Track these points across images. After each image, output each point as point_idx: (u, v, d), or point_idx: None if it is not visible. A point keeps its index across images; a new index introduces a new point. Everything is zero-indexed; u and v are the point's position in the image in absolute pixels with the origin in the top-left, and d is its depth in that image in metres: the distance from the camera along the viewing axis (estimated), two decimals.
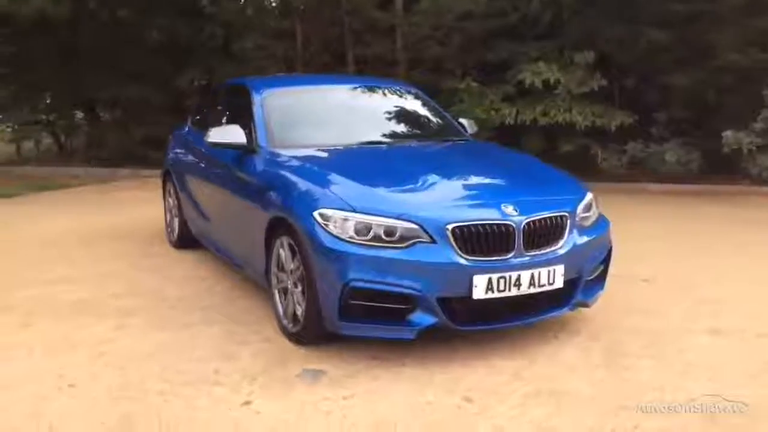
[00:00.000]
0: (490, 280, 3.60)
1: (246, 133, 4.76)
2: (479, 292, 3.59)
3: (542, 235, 3.77)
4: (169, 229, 6.61)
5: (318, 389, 3.43)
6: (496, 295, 3.63)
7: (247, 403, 3.28)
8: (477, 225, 3.62)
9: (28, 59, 13.26)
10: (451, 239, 3.58)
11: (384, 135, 4.90)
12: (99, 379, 3.57)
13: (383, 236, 3.59)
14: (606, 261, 4.28)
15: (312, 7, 11.72)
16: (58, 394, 3.39)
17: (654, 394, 3.37)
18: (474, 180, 4.22)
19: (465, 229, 3.60)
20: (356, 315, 3.63)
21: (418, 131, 5.18)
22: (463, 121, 5.55)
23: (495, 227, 3.64)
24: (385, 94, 5.59)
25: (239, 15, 11.72)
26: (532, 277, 3.69)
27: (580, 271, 3.95)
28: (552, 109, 10.45)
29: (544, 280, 3.73)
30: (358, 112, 5.19)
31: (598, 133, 10.71)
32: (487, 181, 4.22)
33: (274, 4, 12.09)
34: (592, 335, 4.15)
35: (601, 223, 4.26)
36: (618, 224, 7.66)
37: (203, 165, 5.55)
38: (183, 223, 6.18)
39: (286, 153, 4.49)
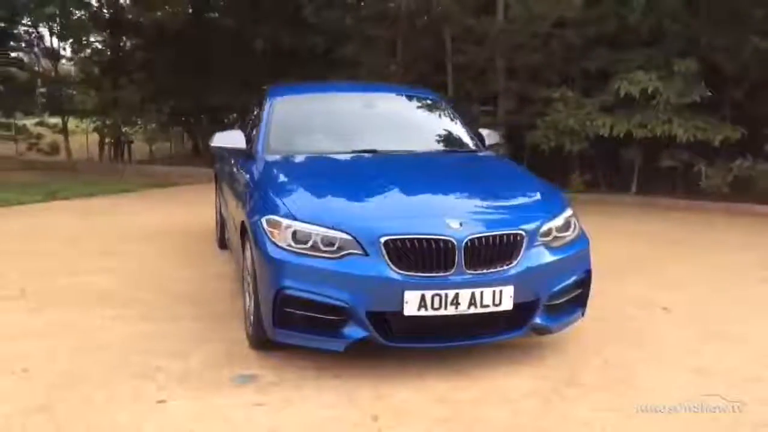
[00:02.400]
0: (423, 297, 3.47)
1: (251, 138, 4.91)
2: (411, 309, 3.47)
3: (490, 253, 3.58)
4: (217, 228, 6.91)
5: (239, 394, 3.47)
6: (430, 312, 3.49)
7: (162, 401, 3.37)
8: (412, 239, 3.50)
9: (156, 67, 14.33)
10: (384, 252, 3.49)
11: (382, 144, 4.81)
12: (54, 365, 3.81)
13: (321, 246, 3.57)
14: (582, 284, 3.99)
15: (409, 15, 11.75)
16: (7, 376, 3.66)
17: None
18: (436, 193, 4.06)
19: (399, 243, 3.49)
20: (290, 323, 3.63)
21: (421, 141, 5.03)
22: (483, 131, 5.35)
23: (433, 242, 3.51)
24: (401, 103, 5.52)
25: (338, 23, 12.00)
26: (473, 296, 3.51)
27: (537, 293, 3.71)
28: (650, 121, 9.80)
29: (487, 301, 3.54)
30: (365, 121, 5.15)
31: (703, 148, 9.92)
32: (448, 195, 4.05)
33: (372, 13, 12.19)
34: (555, 363, 3.89)
35: (577, 243, 3.97)
36: (693, 248, 7.19)
37: (227, 168, 5.77)
38: (222, 223, 6.45)
39: (274, 159, 4.57)
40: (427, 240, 3.51)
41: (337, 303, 3.51)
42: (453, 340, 3.70)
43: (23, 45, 17.18)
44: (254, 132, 5.01)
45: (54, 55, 16.72)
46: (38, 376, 3.68)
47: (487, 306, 3.55)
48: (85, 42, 16.13)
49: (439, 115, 5.42)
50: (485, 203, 3.97)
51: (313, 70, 12.16)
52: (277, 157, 4.59)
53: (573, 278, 3.91)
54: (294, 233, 3.62)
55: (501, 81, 11.63)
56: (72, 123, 16.96)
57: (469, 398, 3.43)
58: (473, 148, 5.09)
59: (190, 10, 14.41)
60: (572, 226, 4.00)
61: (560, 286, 3.82)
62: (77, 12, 15.70)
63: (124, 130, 15.56)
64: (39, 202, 9.98)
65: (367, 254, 3.51)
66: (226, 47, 13.55)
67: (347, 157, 4.64)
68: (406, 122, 5.27)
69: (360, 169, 4.48)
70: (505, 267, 3.61)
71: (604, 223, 8.63)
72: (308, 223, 3.62)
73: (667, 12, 9.60)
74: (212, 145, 4.98)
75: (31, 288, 5.30)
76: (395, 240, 3.50)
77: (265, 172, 4.39)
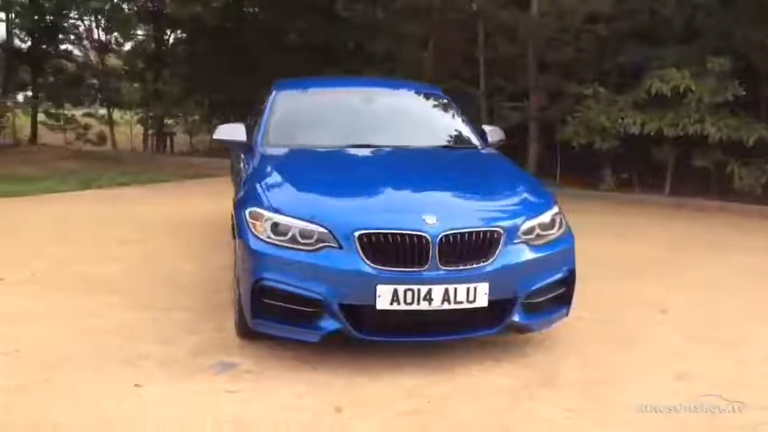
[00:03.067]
0: (395, 292, 3.49)
1: (253, 131, 4.99)
2: (383, 303, 3.50)
3: (466, 249, 3.58)
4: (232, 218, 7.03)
5: (214, 381, 3.55)
6: (403, 307, 3.51)
7: (138, 385, 3.47)
8: (386, 234, 3.53)
9: (196, 60, 14.58)
10: (358, 246, 3.52)
11: (380, 139, 4.82)
12: (47, 348, 3.94)
13: (299, 238, 3.62)
14: (565, 283, 3.94)
15: (440, 10, 11.71)
16: None
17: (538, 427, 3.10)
18: (419, 189, 4.06)
19: (373, 237, 3.52)
20: (267, 313, 3.69)
21: (419, 137, 5.00)
22: (486, 127, 5.32)
23: (407, 237, 3.52)
24: (404, 99, 5.53)
25: (370, 18, 12.02)
26: (447, 292, 3.52)
27: (515, 291, 3.69)
28: (682, 120, 9.58)
29: (461, 297, 3.54)
30: (365, 116, 5.15)
31: (738, 148, 9.64)
32: (432, 190, 4.05)
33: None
34: (534, 361, 3.87)
35: (560, 242, 3.92)
36: (718, 250, 7.01)
37: (234, 161, 5.87)
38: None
39: (270, 152, 4.64)
40: (401, 235, 3.53)
41: (312, 295, 3.56)
42: (427, 335, 3.72)
43: (72, 38, 17.72)
44: (256, 125, 5.09)
45: (102, 47, 17.19)
46: (29, 357, 3.82)
47: (461, 302, 3.55)
48: (132, 35, 16.53)
49: (442, 111, 5.42)
50: (468, 200, 3.98)
51: (347, 66, 12.20)
52: (273, 150, 4.67)
53: (554, 277, 3.87)
54: (274, 225, 3.68)
55: (533, 76, 11.52)
56: (117, 114, 17.41)
57: (438, 393, 3.44)
58: (473, 144, 5.07)
59: (230, 1, 14.58)
60: (557, 224, 3.97)
61: (540, 285, 3.80)
62: (124, 6, 16.14)
63: (166, 122, 15.90)
64: (74, 191, 10.28)
65: (341, 248, 3.55)
66: (263, 42, 13.69)
67: (341, 151, 4.68)
68: (407, 118, 5.28)
69: (349, 164, 4.52)
70: (482, 264, 3.60)
71: (633, 224, 8.52)
72: (287, 215, 3.68)
73: (701, 3, 9.34)
74: (214, 137, 5.07)
75: (42, 273, 5.49)
76: (369, 234, 3.53)
77: (257, 165, 4.46)
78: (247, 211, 3.83)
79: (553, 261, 3.86)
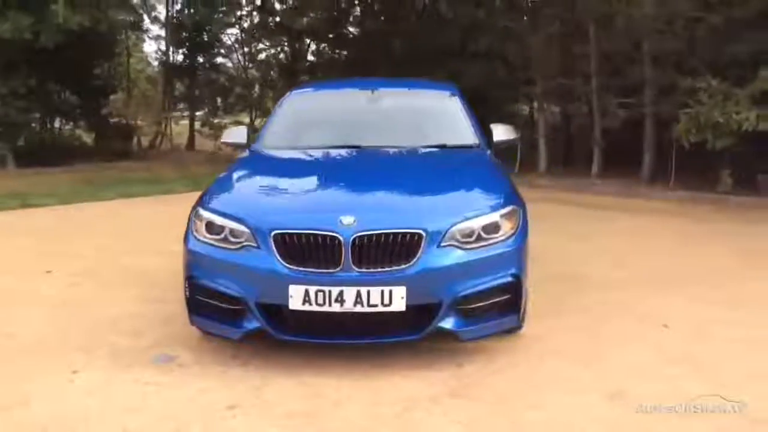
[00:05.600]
0: (307, 292, 3.47)
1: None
2: (295, 303, 3.50)
3: (383, 251, 3.48)
4: None
5: (144, 373, 3.68)
6: (315, 308, 3.49)
7: (75, 372, 3.71)
8: (300, 234, 3.52)
9: (318, 69, 15.23)
10: (273, 245, 3.55)
11: (369, 140, 4.76)
12: (38, 333, 4.32)
13: (230, 238, 3.71)
14: (508, 289, 3.69)
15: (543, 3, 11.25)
16: None
17: None
18: (352, 190, 3.98)
19: (287, 237, 3.53)
20: (200, 311, 3.82)
21: (410, 137, 4.84)
22: (495, 127, 5.06)
23: (320, 238, 3.49)
24: (408, 98, 5.40)
25: (472, 18, 11.78)
26: (359, 295, 3.45)
27: (439, 296, 3.53)
28: None
29: (375, 301, 3.45)
30: (362, 117, 5.10)
31: None
32: (369, 192, 3.96)
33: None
34: (467, 372, 3.66)
35: (501, 245, 3.67)
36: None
37: None
38: None
39: (248, 155, 4.82)
40: (314, 235, 3.51)
41: (233, 293, 3.63)
42: (345, 338, 3.65)
43: (222, 51, 19.11)
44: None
45: (246, 58, 18.37)
46: (14, 340, 4.20)
47: (376, 305, 3.46)
48: (269, 46, 17.53)
49: (446, 110, 5.21)
50: (401, 201, 3.88)
51: (448, 66, 12.06)
52: (256, 152, 4.83)
53: (492, 282, 3.63)
54: (208, 225, 3.81)
55: (647, 70, 10.77)
56: (258, 122, 18.53)
57: (339, 396, 3.38)
58: (466, 144, 4.84)
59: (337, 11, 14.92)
60: (505, 226, 3.72)
61: (473, 290, 3.58)
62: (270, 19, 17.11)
63: None
64: (182, 192, 11.10)
65: (259, 247, 3.59)
66: (372, 49, 13.91)
67: (309, 153, 4.75)
68: (403, 118, 5.13)
69: (306, 166, 4.56)
70: (401, 266, 3.49)
71: (721, 230, 7.74)
72: (221, 216, 3.79)
73: None
74: (221, 141, 5.29)
75: (90, 266, 6.00)
76: (284, 234, 3.54)
77: (230, 168, 4.60)
78: (193, 212, 3.98)
79: (490, 265, 3.63)
